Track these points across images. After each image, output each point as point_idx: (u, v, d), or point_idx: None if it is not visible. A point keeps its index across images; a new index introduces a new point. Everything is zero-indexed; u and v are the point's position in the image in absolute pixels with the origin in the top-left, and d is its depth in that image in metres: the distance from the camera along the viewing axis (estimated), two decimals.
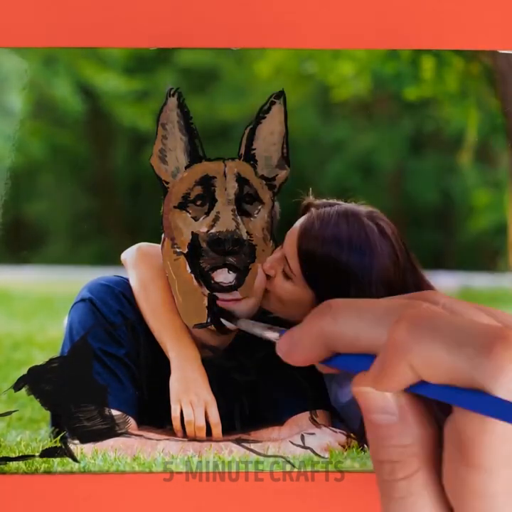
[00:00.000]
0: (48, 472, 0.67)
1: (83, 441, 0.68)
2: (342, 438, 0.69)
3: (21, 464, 0.68)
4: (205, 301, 0.70)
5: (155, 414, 0.70)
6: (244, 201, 0.70)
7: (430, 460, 0.32)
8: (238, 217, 0.69)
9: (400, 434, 0.32)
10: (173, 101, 0.69)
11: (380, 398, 0.33)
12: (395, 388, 0.32)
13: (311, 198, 0.71)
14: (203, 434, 0.69)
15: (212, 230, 0.69)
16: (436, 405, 0.33)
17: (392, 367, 0.31)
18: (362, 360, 0.35)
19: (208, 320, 0.70)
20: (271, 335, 0.48)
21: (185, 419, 0.69)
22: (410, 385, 0.32)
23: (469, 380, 0.30)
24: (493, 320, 0.32)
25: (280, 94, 0.70)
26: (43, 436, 0.69)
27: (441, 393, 0.31)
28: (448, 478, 0.31)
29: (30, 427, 0.71)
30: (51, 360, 0.70)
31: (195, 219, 0.70)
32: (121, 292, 0.72)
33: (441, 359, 0.30)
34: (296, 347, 0.38)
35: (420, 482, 0.32)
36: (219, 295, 0.70)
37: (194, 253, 0.69)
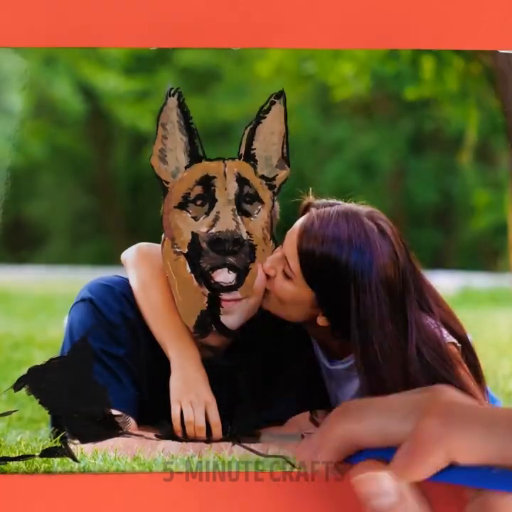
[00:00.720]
0: (48, 472, 0.67)
1: (83, 441, 0.68)
2: None
3: (21, 463, 0.68)
4: (205, 301, 0.70)
5: (155, 414, 0.70)
6: (244, 201, 0.70)
7: None
8: (238, 217, 0.69)
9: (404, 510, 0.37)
10: (173, 101, 0.69)
11: (377, 484, 0.37)
12: (426, 475, 0.36)
13: (311, 198, 0.71)
14: (203, 434, 0.69)
15: (213, 230, 0.69)
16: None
17: (427, 454, 0.35)
18: (388, 453, 0.38)
19: (208, 319, 0.70)
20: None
21: (185, 419, 0.69)
22: (438, 471, 0.35)
23: (501, 459, 0.33)
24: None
25: (280, 94, 0.70)
26: (43, 436, 0.69)
27: (472, 476, 0.34)
28: None
29: (30, 427, 0.71)
30: (51, 360, 0.70)
31: (195, 219, 0.70)
32: (121, 292, 0.72)
33: (476, 443, 0.34)
34: (318, 452, 0.41)
35: None
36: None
37: (194, 253, 0.69)
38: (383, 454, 0.39)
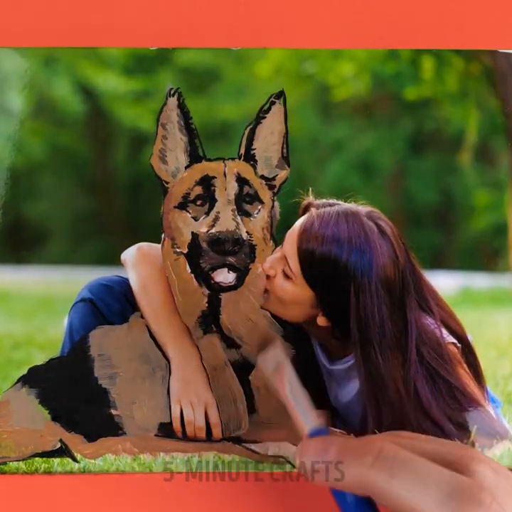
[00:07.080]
0: (48, 472, 0.67)
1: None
2: None
3: (21, 463, 0.68)
4: (205, 301, 0.70)
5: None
6: (244, 201, 0.70)
7: None
8: (238, 217, 0.69)
9: None
10: (173, 101, 0.69)
11: None
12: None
13: (311, 198, 0.71)
14: (203, 434, 0.69)
15: (212, 230, 0.69)
16: None
17: None
18: None
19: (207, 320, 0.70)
20: (304, 422, 0.49)
21: (185, 419, 0.69)
22: None
23: None
24: None
25: (280, 94, 0.70)
26: None
27: None
28: None
29: None
30: (51, 360, 0.70)
31: (195, 219, 0.70)
32: (121, 292, 0.72)
33: None
34: (333, 479, 0.41)
35: None
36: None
37: (194, 253, 0.69)
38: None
